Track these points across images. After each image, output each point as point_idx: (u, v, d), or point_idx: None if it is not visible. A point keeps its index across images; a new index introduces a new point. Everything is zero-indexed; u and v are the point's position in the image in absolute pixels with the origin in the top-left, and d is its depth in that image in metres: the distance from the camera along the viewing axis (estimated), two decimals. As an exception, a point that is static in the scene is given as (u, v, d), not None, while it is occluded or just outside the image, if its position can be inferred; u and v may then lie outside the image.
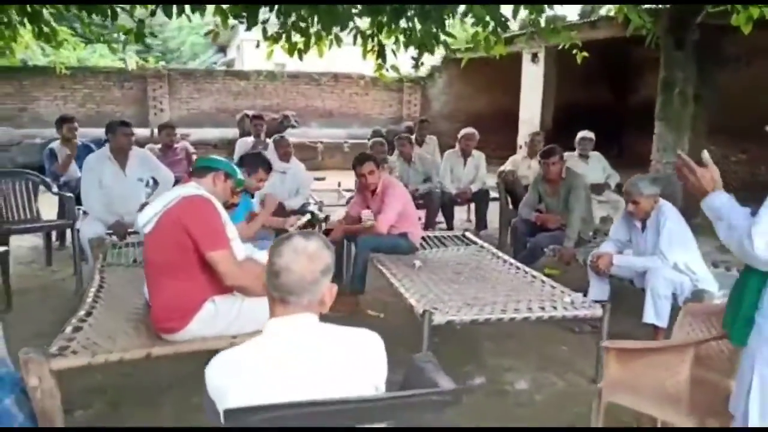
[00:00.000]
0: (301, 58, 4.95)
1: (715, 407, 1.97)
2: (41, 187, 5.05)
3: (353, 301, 4.01)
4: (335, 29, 4.72)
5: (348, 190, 7.35)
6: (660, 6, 6.18)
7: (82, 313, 2.71)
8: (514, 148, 9.89)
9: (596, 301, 3.24)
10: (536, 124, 9.72)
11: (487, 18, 4.54)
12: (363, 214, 4.57)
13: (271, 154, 5.09)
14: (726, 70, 7.05)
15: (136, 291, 3.01)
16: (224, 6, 4.54)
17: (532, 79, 10.13)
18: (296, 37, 4.79)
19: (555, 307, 3.08)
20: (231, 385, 1.35)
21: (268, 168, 3.89)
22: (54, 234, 5.32)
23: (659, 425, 2.27)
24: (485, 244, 4.47)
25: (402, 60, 5.49)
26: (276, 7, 4.49)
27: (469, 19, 4.94)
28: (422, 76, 13.03)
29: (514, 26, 5.44)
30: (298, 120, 11.44)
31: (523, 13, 4.97)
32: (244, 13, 4.36)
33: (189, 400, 2.73)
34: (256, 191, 3.95)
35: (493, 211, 6.05)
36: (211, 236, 2.48)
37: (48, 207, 5.25)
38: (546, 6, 5.06)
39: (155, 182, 4.64)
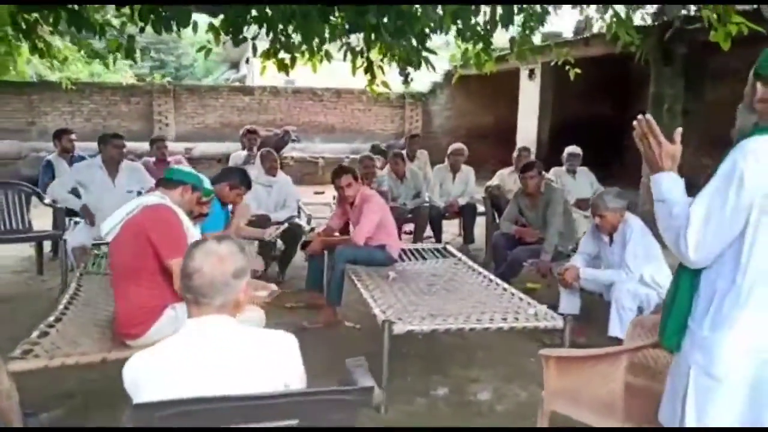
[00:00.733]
0: (287, 73, 5.06)
1: (651, 415, 1.98)
2: (34, 199, 5.17)
3: (331, 312, 4.06)
4: (325, 45, 4.82)
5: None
6: (648, 24, 6.24)
7: (51, 318, 2.81)
8: (514, 163, 9.91)
9: (564, 315, 3.27)
10: (533, 139, 9.76)
11: (468, 33, 4.61)
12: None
13: (257, 168, 5.20)
14: (714, 84, 7.06)
15: (110, 298, 3.07)
16: (215, 22, 4.65)
17: (530, 95, 10.19)
18: (282, 53, 4.89)
19: (517, 318, 3.11)
20: (144, 381, 1.42)
21: (248, 183, 4.03)
22: (49, 244, 5.44)
23: None
24: (463, 257, 4.49)
25: (392, 76, 5.58)
26: (264, 23, 4.60)
27: (455, 35, 5.01)
28: (423, 92, 13.15)
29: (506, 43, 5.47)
30: (299, 135, 11.58)
31: (514, 30, 5.02)
32: (231, 29, 4.47)
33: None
34: (232, 204, 4.04)
35: (482, 225, 6.09)
36: (171, 244, 2.56)
37: (43, 218, 5.37)
38: (539, 24, 5.09)
39: None
